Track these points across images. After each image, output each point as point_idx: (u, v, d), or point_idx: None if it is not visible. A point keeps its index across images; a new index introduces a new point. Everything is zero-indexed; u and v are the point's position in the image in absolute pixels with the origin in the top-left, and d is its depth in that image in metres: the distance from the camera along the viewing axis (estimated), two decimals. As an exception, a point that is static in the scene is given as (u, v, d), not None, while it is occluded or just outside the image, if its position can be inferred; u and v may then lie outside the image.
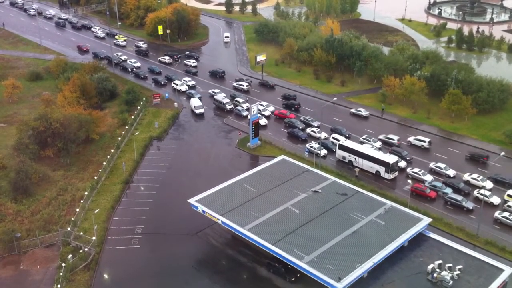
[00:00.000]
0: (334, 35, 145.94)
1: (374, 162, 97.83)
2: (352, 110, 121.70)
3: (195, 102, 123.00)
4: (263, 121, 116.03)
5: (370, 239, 74.25)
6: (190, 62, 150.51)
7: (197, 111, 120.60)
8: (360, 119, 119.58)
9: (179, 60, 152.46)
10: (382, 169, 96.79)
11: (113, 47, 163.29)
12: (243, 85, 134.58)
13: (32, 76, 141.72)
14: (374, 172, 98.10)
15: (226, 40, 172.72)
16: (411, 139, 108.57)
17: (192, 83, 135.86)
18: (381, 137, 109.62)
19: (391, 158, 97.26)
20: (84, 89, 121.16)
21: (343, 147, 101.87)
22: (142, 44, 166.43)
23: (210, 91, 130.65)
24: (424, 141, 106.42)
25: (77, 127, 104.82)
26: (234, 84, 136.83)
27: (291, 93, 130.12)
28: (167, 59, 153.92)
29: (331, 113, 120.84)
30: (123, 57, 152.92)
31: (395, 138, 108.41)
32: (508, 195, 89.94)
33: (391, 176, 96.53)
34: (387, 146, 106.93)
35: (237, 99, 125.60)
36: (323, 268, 69.07)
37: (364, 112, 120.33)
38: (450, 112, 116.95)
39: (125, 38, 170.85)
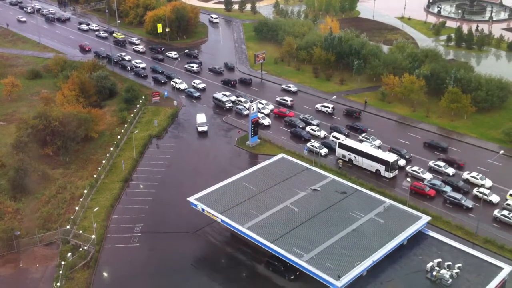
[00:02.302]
0: (334, 33, 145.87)
1: (374, 160, 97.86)
2: (283, 86, 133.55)
3: (199, 118, 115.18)
4: (266, 121, 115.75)
5: (370, 238, 74.33)
6: (171, 54, 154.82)
7: (200, 128, 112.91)
8: (290, 94, 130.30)
9: (162, 52, 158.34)
10: (382, 168, 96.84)
11: (95, 39, 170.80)
12: (193, 67, 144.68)
13: (31, 74, 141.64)
14: (374, 171, 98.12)
15: (215, 21, 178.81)
16: (318, 105, 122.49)
17: (202, 85, 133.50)
18: (278, 99, 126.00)
19: (391, 157, 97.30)
20: (83, 88, 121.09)
21: (343, 146, 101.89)
22: (136, 40, 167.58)
23: (221, 94, 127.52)
24: (328, 107, 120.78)
25: (76, 126, 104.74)
26: (186, 65, 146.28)
27: (247, 77, 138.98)
28: (140, 48, 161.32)
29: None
30: (127, 57, 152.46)
31: (288, 99, 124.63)
32: (510, 195, 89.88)
33: (391, 175, 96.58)
34: (281, 106, 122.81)
35: (240, 98, 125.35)
36: (322, 266, 69.14)
37: (293, 87, 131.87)
38: (449, 110, 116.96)
39: (123, 36, 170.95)
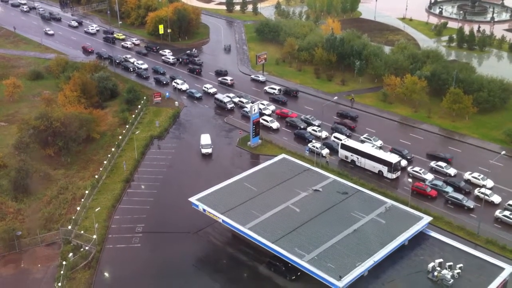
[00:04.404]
0: (335, 34, 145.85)
1: (376, 161, 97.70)
2: (252, 76, 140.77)
3: (203, 139, 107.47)
4: (275, 125, 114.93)
5: (371, 238, 74.25)
6: (165, 52, 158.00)
7: (204, 150, 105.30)
8: (258, 83, 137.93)
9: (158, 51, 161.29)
10: (384, 169, 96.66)
11: (84, 35, 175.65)
12: (169, 58, 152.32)
13: (33, 75, 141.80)
14: (377, 172, 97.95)
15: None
16: (266, 87, 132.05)
17: (213, 90, 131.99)
18: (220, 79, 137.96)
19: (393, 158, 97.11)
20: (84, 88, 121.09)
21: (345, 147, 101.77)
22: (135, 40, 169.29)
23: (224, 95, 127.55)
24: (275, 89, 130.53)
25: (78, 126, 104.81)
26: (163, 58, 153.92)
27: (222, 69, 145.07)
28: (129, 44, 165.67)
29: (332, 111, 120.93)
30: (131, 60, 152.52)
31: (228, 78, 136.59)
32: None
33: (394, 176, 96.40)
34: (222, 85, 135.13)
35: (242, 99, 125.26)
36: (323, 267, 69.09)
37: (261, 77, 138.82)
38: (451, 111, 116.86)
39: (122, 36, 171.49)
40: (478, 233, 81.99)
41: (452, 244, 75.11)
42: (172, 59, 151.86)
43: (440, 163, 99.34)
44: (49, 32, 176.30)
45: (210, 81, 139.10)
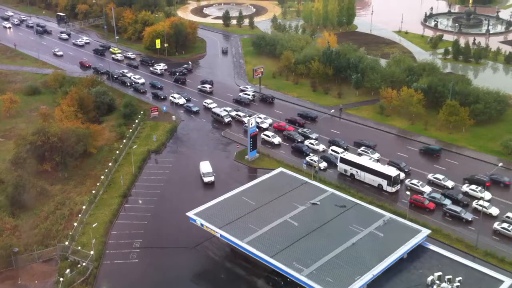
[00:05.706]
0: (331, 47, 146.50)
1: (376, 175, 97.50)
2: (241, 87, 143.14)
3: (204, 167, 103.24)
4: (277, 140, 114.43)
5: (369, 251, 74.01)
6: (160, 66, 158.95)
7: (206, 179, 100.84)
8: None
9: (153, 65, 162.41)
10: (384, 182, 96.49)
11: (73, 47, 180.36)
12: (156, 69, 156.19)
13: (30, 91, 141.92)
14: (377, 185, 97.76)
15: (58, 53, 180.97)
16: (241, 94, 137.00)
17: (213, 105, 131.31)
18: (199, 86, 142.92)
19: (393, 171, 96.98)
20: (82, 103, 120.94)
21: (344, 160, 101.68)
22: (130, 54, 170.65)
23: (222, 109, 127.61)
24: (249, 94, 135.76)
25: (75, 141, 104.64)
26: (151, 68, 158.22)
27: (208, 79, 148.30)
28: (119, 56, 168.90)
29: (329, 124, 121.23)
30: (129, 74, 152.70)
31: (207, 86, 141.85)
32: None
33: (394, 189, 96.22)
34: (202, 93, 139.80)
35: (239, 113, 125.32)
36: (322, 281, 68.76)
37: (249, 88, 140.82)
38: (448, 123, 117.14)
39: (118, 50, 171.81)
40: (477, 246, 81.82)
41: (451, 257, 74.90)
42: (160, 70, 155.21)
43: (437, 175, 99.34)
44: (58, 53, 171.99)
45: (195, 90, 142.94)
